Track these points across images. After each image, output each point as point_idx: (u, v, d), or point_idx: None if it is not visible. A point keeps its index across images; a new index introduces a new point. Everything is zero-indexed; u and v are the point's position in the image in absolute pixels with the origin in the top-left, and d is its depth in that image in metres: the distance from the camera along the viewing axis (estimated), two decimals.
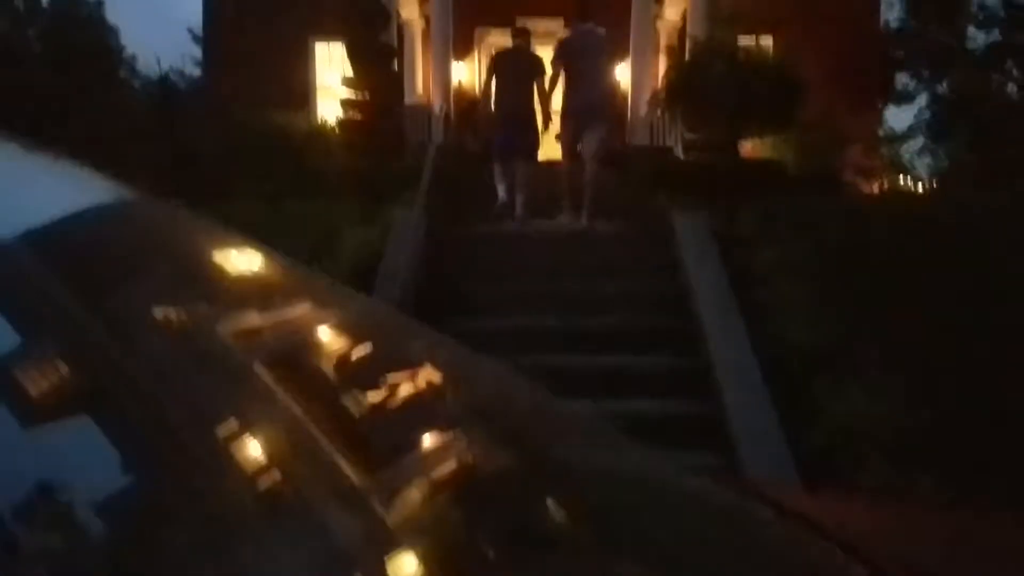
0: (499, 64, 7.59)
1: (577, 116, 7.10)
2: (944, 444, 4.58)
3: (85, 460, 0.62)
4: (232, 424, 0.72)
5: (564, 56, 7.10)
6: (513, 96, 7.31)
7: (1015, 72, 20.42)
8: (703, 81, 8.71)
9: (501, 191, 7.72)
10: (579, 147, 7.23)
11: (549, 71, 7.39)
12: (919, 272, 6.16)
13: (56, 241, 0.81)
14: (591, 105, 7.06)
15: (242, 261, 1.05)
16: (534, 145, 7.55)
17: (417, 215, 7.06)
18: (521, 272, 6.93)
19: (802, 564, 0.96)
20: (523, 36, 7.70)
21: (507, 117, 7.42)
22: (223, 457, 0.67)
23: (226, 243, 1.07)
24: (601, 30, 7.40)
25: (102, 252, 0.89)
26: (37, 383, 0.66)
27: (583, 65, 6.98)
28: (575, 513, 0.82)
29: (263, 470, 0.67)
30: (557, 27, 11.83)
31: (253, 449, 0.69)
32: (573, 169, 7.32)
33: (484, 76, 7.88)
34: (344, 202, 7.80)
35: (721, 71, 8.34)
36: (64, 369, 0.68)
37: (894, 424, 4.60)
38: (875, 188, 13.66)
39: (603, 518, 0.83)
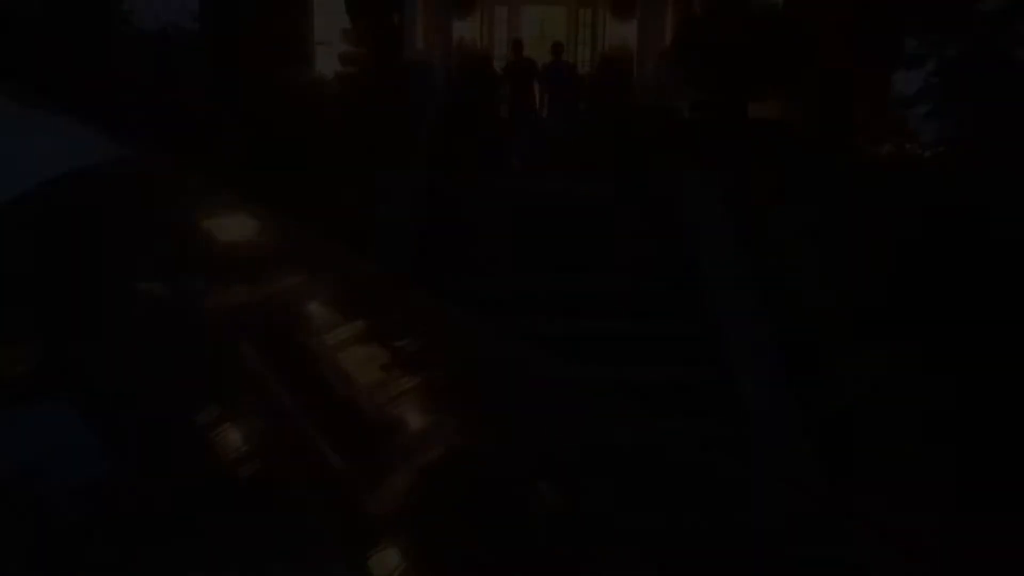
0: (512, 70, 11.34)
1: (556, 110, 11.07)
2: (963, 415, 4.43)
3: (55, 444, 0.60)
4: (212, 406, 0.70)
5: (542, 77, 11.13)
6: (521, 91, 11.11)
7: None
8: (715, 36, 8.45)
9: (518, 162, 10.62)
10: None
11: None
12: (935, 236, 5.98)
13: (38, 203, 0.79)
14: (563, 105, 11.02)
15: (232, 224, 1.03)
16: (536, 119, 11.18)
17: (417, 171, 6.84)
18: (524, 233, 6.71)
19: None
20: (519, 48, 11.43)
21: (519, 104, 11.14)
22: (201, 442, 0.65)
23: (216, 204, 1.04)
24: (570, 63, 12.12)
25: (87, 216, 0.87)
26: (7, 361, 0.65)
27: (554, 84, 10.99)
28: (570, 498, 0.76)
29: (243, 456, 0.65)
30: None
31: (232, 434, 0.67)
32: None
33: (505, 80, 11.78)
34: (342, 157, 7.61)
35: (736, 25, 8.06)
36: (37, 346, 0.67)
37: (911, 394, 4.44)
38: (883, 152, 13.42)
39: (601, 504, 0.76)
